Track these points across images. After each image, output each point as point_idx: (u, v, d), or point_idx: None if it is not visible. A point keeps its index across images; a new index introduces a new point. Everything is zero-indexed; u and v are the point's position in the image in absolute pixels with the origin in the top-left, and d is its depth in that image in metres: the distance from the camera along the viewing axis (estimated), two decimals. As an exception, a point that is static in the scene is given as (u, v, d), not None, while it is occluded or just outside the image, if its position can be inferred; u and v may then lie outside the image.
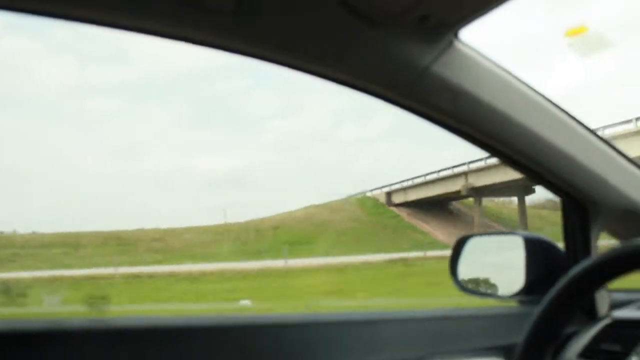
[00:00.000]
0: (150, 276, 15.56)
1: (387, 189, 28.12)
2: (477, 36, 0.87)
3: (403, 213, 26.34)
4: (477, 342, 1.03)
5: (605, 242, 1.07)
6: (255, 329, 0.95)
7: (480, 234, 1.21)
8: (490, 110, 0.90)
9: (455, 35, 0.84)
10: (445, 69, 0.85)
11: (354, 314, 1.05)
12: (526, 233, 1.12)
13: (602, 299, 1.04)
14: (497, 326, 1.07)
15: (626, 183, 1.00)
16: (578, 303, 0.67)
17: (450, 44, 0.84)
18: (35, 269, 17.14)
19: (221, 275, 15.19)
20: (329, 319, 1.01)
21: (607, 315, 1.02)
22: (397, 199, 27.43)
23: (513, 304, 1.15)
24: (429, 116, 0.94)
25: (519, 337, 0.69)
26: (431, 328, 1.04)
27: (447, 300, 5.79)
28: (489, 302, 1.14)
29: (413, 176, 26.19)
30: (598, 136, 0.99)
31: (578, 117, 0.98)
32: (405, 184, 26.96)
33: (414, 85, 0.87)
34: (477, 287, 1.15)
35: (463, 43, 0.86)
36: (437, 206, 26.58)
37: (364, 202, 28.19)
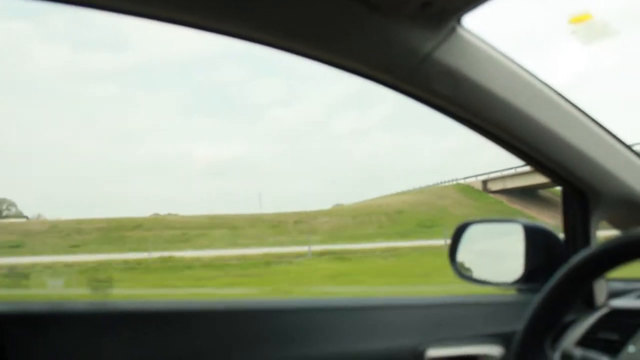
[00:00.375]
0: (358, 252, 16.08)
1: (482, 177, 29.97)
2: (480, 23, 0.85)
3: (503, 199, 28.16)
4: (475, 329, 1.04)
5: (604, 233, 1.05)
6: (254, 313, 0.97)
7: (480, 221, 1.20)
8: (491, 97, 0.90)
9: (458, 21, 0.83)
10: (447, 55, 0.85)
11: (352, 300, 1.06)
12: (526, 221, 1.12)
13: (601, 288, 1.04)
14: (495, 314, 1.07)
15: (627, 172, 1.00)
16: (577, 292, 0.67)
17: (452, 30, 0.84)
18: (213, 248, 17.97)
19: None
20: (326, 304, 1.02)
21: (605, 304, 1.03)
22: (494, 186, 29.30)
23: (512, 291, 1.15)
24: (430, 102, 0.94)
25: (517, 325, 0.70)
26: (430, 315, 1.05)
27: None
28: (488, 290, 1.14)
29: (515, 165, 28.03)
30: (600, 125, 0.99)
31: (580, 105, 0.97)
32: (505, 173, 28.83)
33: (415, 71, 0.87)
34: (477, 275, 1.15)
35: (465, 30, 0.86)
36: (529, 194, 28.56)
37: (462, 189, 29.92)
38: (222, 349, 0.93)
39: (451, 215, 25.93)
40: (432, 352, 0.99)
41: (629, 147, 1.01)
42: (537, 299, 0.70)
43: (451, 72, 0.87)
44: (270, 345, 0.95)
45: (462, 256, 1.16)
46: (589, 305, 1.03)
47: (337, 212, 25.27)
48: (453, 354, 1.01)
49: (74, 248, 18.28)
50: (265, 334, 0.95)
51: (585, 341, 0.95)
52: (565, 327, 0.99)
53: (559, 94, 0.96)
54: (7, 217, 29.29)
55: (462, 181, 31.51)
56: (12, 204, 32.20)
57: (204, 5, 0.77)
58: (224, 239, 19.98)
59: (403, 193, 29.71)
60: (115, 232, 20.48)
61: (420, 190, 29.76)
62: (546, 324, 0.69)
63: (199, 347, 0.92)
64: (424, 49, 0.83)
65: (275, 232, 21.59)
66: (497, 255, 1.24)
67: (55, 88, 34.65)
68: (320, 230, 22.87)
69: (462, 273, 1.15)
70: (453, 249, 1.17)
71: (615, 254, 0.64)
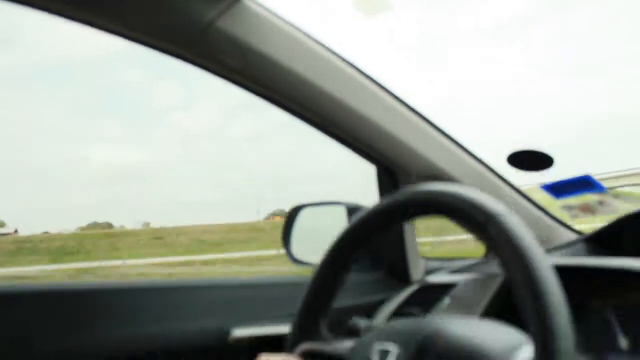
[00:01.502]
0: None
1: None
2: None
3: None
4: (286, 309, 1.03)
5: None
6: (56, 295, 0.92)
7: (310, 204, 1.21)
8: (284, 70, 0.88)
9: None
10: (231, 25, 0.83)
11: (157, 281, 1.04)
12: (349, 203, 1.13)
13: (417, 266, 1.07)
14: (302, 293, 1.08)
15: (433, 151, 1.02)
16: (349, 262, 0.66)
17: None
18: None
19: None
20: (131, 286, 0.99)
21: (420, 281, 1.06)
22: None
23: None
24: (220, 74, 0.92)
25: None
26: (239, 296, 1.03)
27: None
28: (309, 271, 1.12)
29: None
30: (403, 102, 1.00)
31: (381, 81, 0.96)
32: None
33: (199, 41, 0.85)
34: (308, 257, 1.14)
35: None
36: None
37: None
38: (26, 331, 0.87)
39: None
40: (237, 332, 0.98)
41: (434, 126, 1.03)
42: (312, 274, 0.68)
43: (237, 43, 0.85)
44: (72, 327, 0.90)
45: (295, 240, 1.17)
46: (406, 282, 1.06)
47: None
48: (259, 333, 1.00)
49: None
50: (66, 317, 0.90)
51: (394, 316, 0.97)
52: (379, 304, 1.02)
53: (359, 70, 0.95)
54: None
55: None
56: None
57: None
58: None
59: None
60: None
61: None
62: (321, 300, 0.67)
63: (18, 329, 0.87)
64: (206, 17, 0.81)
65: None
66: (324, 237, 1.16)
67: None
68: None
69: (295, 257, 1.15)
70: (287, 233, 1.17)
71: (380, 220, 0.62)
